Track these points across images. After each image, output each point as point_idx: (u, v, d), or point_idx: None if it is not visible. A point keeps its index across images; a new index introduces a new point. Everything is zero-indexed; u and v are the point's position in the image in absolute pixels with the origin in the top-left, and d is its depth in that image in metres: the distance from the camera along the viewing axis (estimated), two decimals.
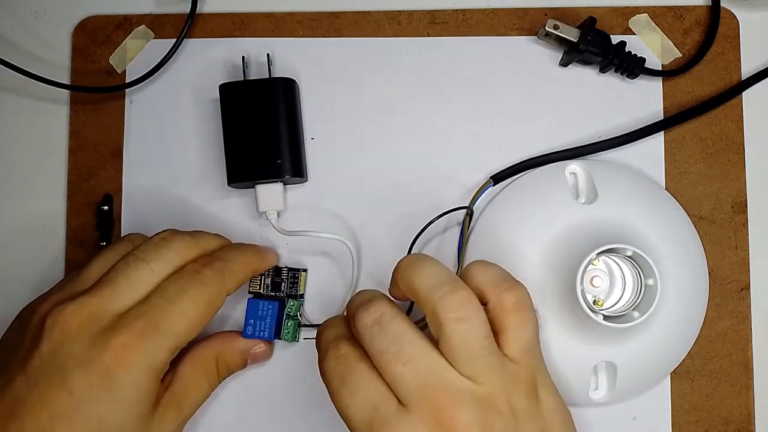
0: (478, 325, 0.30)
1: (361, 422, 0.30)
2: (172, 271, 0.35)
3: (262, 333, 0.39)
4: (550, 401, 0.32)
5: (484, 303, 0.32)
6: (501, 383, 0.30)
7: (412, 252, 0.40)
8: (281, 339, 0.40)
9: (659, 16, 0.42)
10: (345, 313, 0.35)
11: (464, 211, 0.41)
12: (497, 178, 0.41)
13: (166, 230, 0.37)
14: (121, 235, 0.42)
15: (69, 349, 0.31)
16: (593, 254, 0.35)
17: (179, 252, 0.35)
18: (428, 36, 0.43)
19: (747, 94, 0.42)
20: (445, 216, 0.40)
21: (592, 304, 0.37)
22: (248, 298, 0.40)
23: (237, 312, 0.41)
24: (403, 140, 0.42)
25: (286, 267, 0.41)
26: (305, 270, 0.41)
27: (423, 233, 0.40)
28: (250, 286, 0.41)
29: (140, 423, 0.33)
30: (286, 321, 0.40)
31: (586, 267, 0.36)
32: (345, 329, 0.33)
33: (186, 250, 0.35)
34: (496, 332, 0.32)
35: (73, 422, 0.31)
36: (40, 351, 0.32)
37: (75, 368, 0.31)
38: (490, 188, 0.41)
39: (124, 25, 0.43)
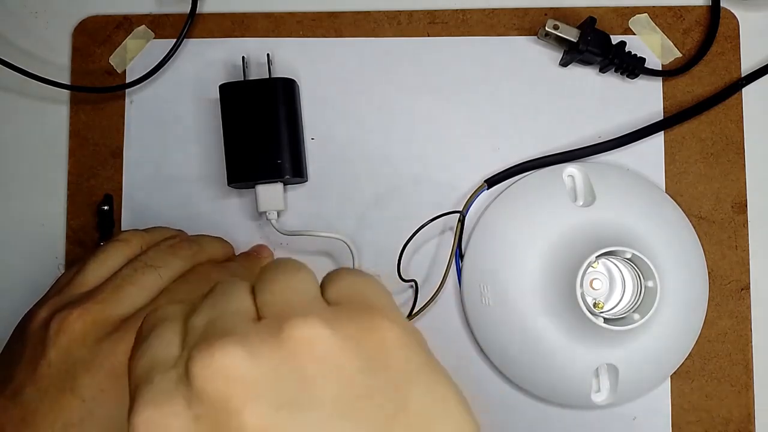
0: None
1: None
2: (178, 278, 0.34)
3: None
4: None
5: None
6: None
7: (403, 254, 0.40)
8: None
9: (659, 16, 0.42)
10: None
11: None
12: (491, 182, 0.41)
13: (175, 235, 0.37)
14: None
15: (77, 355, 0.31)
16: (592, 257, 0.35)
17: (186, 259, 0.35)
18: (428, 36, 0.43)
19: (747, 94, 0.42)
20: (442, 218, 0.40)
21: (592, 306, 0.37)
22: None
23: None
24: (403, 140, 0.42)
25: None
26: None
27: (418, 234, 0.39)
28: None
29: None
30: None
31: (586, 270, 0.36)
32: None
33: (192, 258, 0.35)
34: None
35: (88, 429, 0.30)
36: (48, 359, 0.31)
37: (85, 374, 0.30)
38: (486, 192, 0.41)
39: (124, 25, 0.43)
